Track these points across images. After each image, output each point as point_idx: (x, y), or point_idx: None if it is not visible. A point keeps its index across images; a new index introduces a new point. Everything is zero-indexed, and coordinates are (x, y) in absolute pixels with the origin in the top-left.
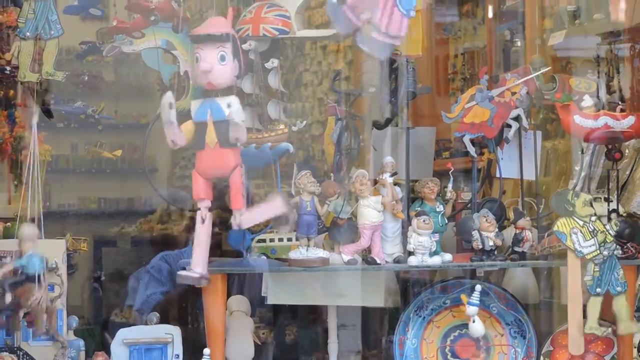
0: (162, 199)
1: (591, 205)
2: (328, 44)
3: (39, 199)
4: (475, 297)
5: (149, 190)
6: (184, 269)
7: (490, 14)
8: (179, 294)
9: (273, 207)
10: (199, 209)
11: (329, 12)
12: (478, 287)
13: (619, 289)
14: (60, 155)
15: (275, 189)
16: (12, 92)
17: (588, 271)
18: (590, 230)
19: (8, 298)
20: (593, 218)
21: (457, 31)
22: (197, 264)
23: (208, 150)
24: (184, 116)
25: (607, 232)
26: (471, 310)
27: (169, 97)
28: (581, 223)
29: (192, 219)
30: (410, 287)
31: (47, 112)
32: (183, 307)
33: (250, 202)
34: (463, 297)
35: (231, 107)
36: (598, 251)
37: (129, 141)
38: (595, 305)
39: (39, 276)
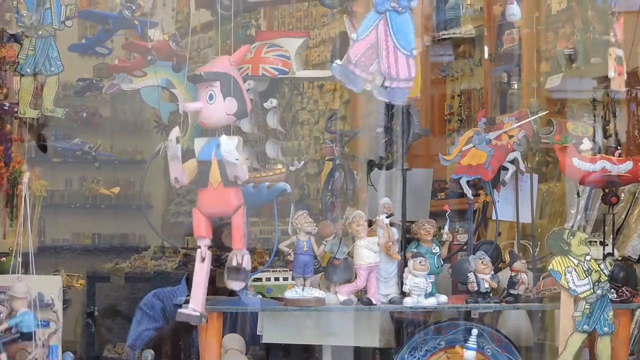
0: (157, 235)
1: (586, 245)
2: (325, 83)
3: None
4: (472, 341)
5: (143, 226)
6: (179, 306)
7: (486, 56)
8: (171, 331)
9: None
10: (199, 246)
11: (336, 75)
12: (474, 332)
13: (606, 329)
14: (55, 190)
15: (272, 229)
16: (8, 127)
17: (578, 307)
18: (585, 269)
19: (3, 358)
20: (588, 257)
21: (455, 72)
22: (197, 302)
23: (211, 189)
24: (182, 154)
25: (601, 272)
26: (469, 354)
27: (175, 132)
28: (576, 262)
29: (186, 256)
30: (405, 328)
31: (42, 147)
32: (176, 344)
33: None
34: (459, 349)
35: (221, 147)
36: (592, 290)
37: (124, 177)
38: (576, 341)
39: (34, 334)
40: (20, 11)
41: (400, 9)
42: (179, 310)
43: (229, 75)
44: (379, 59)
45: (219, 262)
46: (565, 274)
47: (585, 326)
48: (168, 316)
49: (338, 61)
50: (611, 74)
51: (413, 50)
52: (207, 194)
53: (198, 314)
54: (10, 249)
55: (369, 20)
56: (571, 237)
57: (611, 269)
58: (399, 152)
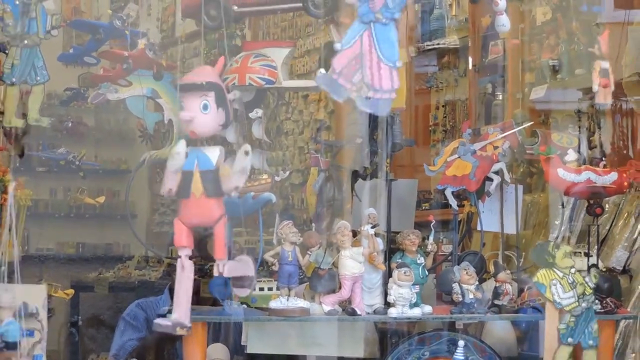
0: (141, 245)
1: (571, 258)
2: (309, 93)
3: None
4: (460, 353)
5: (127, 236)
6: (162, 316)
7: (471, 67)
8: (154, 341)
9: (246, 268)
10: (179, 256)
11: (321, 84)
12: (461, 343)
13: (590, 342)
14: (39, 199)
15: (257, 239)
16: None
17: (563, 320)
18: (570, 282)
19: None
20: (573, 270)
21: (439, 83)
22: (178, 311)
23: (193, 199)
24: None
25: (586, 284)
26: None
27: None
28: (561, 275)
29: (170, 266)
30: (389, 338)
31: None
32: (159, 354)
33: (229, 251)
34: None
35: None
36: (577, 303)
37: (108, 186)
38: (562, 354)
39: (19, 343)
40: (5, 20)
41: (384, 20)
42: (155, 320)
43: (221, 86)
44: (363, 70)
45: (202, 272)
46: (550, 287)
47: (569, 339)
48: (151, 326)
49: (322, 70)
50: (595, 87)
51: (397, 61)
52: (189, 204)
53: (170, 323)
54: None
55: (354, 31)
56: (556, 250)
57: (596, 281)
58: (380, 163)
